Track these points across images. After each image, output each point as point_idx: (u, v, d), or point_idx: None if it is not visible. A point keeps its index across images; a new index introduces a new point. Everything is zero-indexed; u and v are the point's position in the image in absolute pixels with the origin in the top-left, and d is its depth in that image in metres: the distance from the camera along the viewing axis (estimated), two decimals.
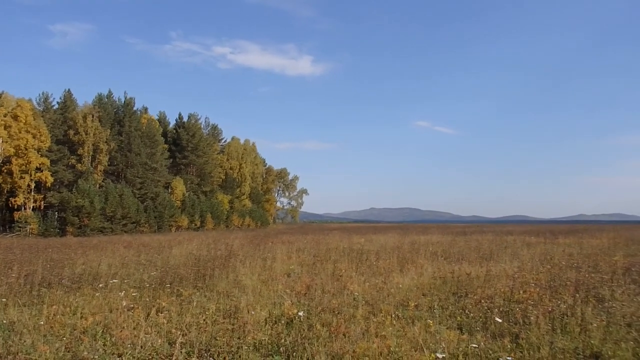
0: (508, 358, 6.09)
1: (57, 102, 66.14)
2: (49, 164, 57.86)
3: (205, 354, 6.37)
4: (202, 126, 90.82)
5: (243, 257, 17.04)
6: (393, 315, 8.20)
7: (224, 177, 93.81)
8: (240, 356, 6.29)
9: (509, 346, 6.65)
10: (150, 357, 6.25)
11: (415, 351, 6.36)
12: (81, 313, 8.52)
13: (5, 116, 53.83)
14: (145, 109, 79.72)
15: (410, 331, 7.22)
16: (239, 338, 6.91)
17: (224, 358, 6.25)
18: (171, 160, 79.70)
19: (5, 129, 53.25)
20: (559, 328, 7.40)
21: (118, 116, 70.95)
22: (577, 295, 9.27)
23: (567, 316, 7.93)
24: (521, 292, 10.05)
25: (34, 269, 13.17)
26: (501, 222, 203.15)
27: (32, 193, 57.79)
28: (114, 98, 72.72)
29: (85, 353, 6.33)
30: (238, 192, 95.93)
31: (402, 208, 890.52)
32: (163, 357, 6.26)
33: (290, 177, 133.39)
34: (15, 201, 55.36)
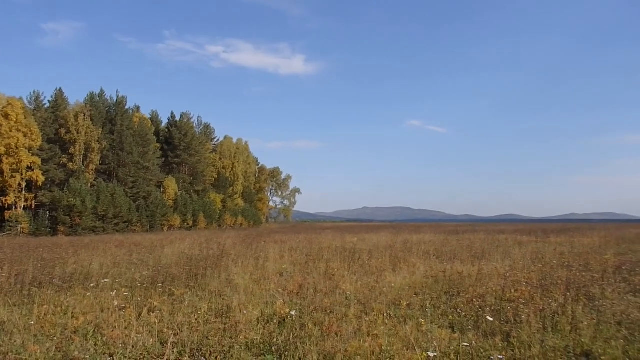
0: (499, 356, 6.11)
1: (49, 101, 65.61)
2: (40, 162, 57.41)
3: (197, 354, 6.35)
4: (194, 125, 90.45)
5: (235, 257, 17.00)
6: (385, 314, 8.22)
7: (217, 176, 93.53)
8: (232, 356, 6.28)
9: (500, 345, 6.68)
10: (141, 357, 6.23)
11: (407, 350, 6.38)
12: (72, 313, 8.46)
13: None
14: (138, 108, 79.37)
15: (402, 330, 7.24)
16: (231, 337, 6.90)
17: (216, 357, 6.23)
18: (163, 159, 79.32)
19: None
20: (550, 326, 7.44)
21: (110, 115, 70.47)
22: (568, 293, 9.32)
23: (558, 315, 7.98)
24: (513, 290, 10.10)
25: (24, 269, 13.09)
26: (493, 221, 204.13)
27: (23, 192, 57.31)
28: (105, 97, 72.17)
29: (76, 353, 6.30)
30: (230, 192, 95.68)
31: (394, 207, 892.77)
32: (155, 357, 6.24)
33: (283, 176, 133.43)
34: (6, 200, 54.86)
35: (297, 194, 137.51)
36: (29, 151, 55.33)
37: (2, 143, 53.11)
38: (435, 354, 6.06)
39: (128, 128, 69.35)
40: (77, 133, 62.42)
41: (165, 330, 7.23)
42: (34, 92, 64.40)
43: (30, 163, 55.69)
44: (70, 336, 7.02)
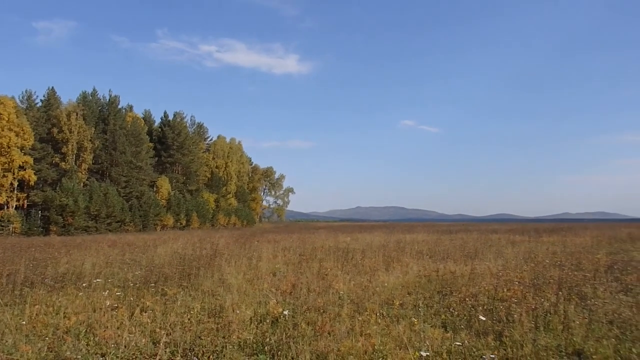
0: (492, 356, 6.13)
1: (41, 100, 65.19)
2: (32, 162, 57.05)
3: (190, 354, 6.33)
4: (187, 125, 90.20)
5: (228, 256, 16.96)
6: (378, 314, 8.24)
7: (210, 175, 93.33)
8: (224, 355, 6.27)
9: (492, 344, 6.71)
10: (134, 357, 6.21)
11: (400, 349, 6.39)
12: (64, 313, 8.41)
13: None
14: (130, 107, 79.01)
15: (395, 329, 7.25)
16: (223, 337, 6.89)
17: (209, 357, 6.22)
18: (156, 158, 79.06)
19: None
20: (542, 326, 7.47)
21: (102, 114, 70.13)
22: (560, 293, 9.37)
23: (550, 314, 8.02)
24: (505, 290, 10.15)
25: (16, 268, 13.01)
26: (486, 221, 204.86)
27: (15, 192, 56.90)
28: (98, 96, 71.81)
29: (68, 353, 6.27)
30: (224, 191, 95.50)
31: (388, 207, 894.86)
32: (147, 357, 6.22)
33: (276, 176, 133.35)
34: None
35: (290, 193, 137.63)
36: (21, 150, 54.95)
37: None
38: (428, 354, 6.08)
39: (121, 127, 69.07)
40: (70, 132, 62.08)
41: (158, 330, 7.20)
42: (26, 91, 64.04)
43: (23, 162, 55.32)
44: (62, 336, 6.99)
